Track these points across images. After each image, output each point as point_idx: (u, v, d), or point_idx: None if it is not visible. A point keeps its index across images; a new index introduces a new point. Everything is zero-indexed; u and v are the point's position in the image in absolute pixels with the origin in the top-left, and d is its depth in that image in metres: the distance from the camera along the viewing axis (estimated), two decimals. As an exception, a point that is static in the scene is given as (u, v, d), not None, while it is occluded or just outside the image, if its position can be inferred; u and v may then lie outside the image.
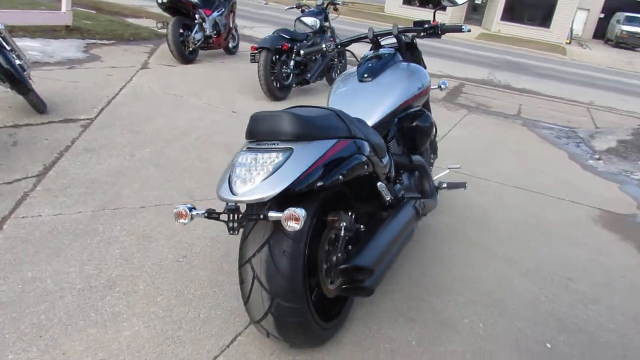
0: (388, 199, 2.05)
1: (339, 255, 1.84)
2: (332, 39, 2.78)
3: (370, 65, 2.54)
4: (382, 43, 2.75)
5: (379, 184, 1.98)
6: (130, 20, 9.51)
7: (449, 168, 3.03)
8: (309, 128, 1.65)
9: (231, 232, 1.58)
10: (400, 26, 2.66)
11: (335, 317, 1.93)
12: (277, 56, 5.30)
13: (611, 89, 11.03)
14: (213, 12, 6.92)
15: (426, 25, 2.59)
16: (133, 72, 5.74)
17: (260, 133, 1.65)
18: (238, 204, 1.57)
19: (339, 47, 2.75)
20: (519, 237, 3.09)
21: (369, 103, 2.35)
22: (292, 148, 1.61)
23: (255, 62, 5.32)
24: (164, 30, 6.58)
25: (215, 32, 6.91)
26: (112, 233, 2.47)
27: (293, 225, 1.45)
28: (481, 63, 11.92)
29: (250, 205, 1.60)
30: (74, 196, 2.76)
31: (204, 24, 6.67)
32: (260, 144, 1.64)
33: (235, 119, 4.58)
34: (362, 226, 2.00)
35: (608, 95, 9.99)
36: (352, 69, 2.72)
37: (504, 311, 2.33)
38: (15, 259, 2.17)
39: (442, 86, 3.05)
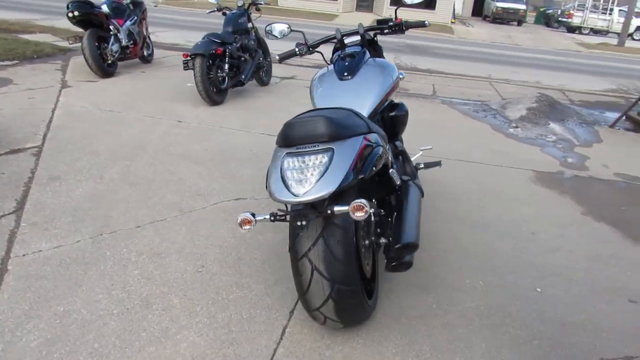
0: (398, 183, 2.28)
1: (372, 238, 2.04)
2: (303, 43, 2.92)
3: (346, 64, 2.73)
4: (346, 41, 2.95)
5: (390, 170, 2.20)
6: (25, 36, 8.87)
7: (421, 150, 3.32)
8: (341, 128, 1.83)
9: (299, 230, 1.73)
10: (365, 25, 2.88)
11: (371, 294, 2.13)
12: (211, 61, 5.32)
13: (501, 62, 12.14)
14: (125, 21, 6.70)
15: (391, 23, 2.84)
16: (55, 92, 5.46)
17: (298, 138, 1.80)
18: (301, 204, 1.72)
19: (311, 49, 2.91)
20: (480, 204, 3.47)
21: (356, 99, 2.55)
22: (332, 148, 1.78)
23: (189, 69, 5.29)
24: (78, 45, 6.27)
25: (131, 41, 6.72)
26: (121, 256, 2.47)
27: (360, 215, 1.63)
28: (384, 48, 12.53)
29: (307, 204, 1.75)
30: (64, 226, 2.70)
31: (118, 34, 6.46)
32: (300, 148, 1.79)
33: (184, 128, 4.57)
34: (382, 210, 2.21)
35: (501, 68, 11.00)
36: (323, 69, 2.90)
37: (494, 269, 2.66)
38: (39, 297, 2.13)
39: (400, 76, 3.32)
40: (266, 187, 1.83)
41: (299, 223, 1.74)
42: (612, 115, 7.09)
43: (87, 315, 2.04)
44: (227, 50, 5.43)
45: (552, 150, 4.95)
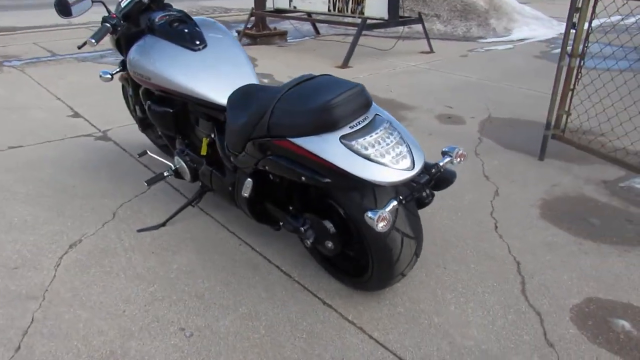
0: None
1: None
2: (112, 15, 2.16)
3: (186, 30, 2.29)
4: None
5: None
6: None
7: None
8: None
9: (427, 200, 1.71)
10: None
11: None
12: None
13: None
14: None
15: None
16: None
17: (346, 118, 1.57)
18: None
19: (123, 20, 2.30)
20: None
21: (237, 69, 2.24)
22: (378, 114, 1.66)
23: None
24: None
25: None
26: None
27: (460, 160, 1.72)
28: None
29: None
30: None
31: None
32: (354, 127, 1.58)
33: None
34: None
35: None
36: (138, 44, 2.34)
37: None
38: None
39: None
40: (347, 179, 1.54)
41: (424, 194, 1.68)
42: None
43: None
44: None
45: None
